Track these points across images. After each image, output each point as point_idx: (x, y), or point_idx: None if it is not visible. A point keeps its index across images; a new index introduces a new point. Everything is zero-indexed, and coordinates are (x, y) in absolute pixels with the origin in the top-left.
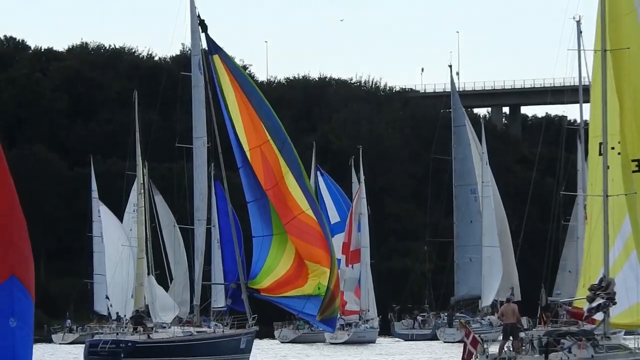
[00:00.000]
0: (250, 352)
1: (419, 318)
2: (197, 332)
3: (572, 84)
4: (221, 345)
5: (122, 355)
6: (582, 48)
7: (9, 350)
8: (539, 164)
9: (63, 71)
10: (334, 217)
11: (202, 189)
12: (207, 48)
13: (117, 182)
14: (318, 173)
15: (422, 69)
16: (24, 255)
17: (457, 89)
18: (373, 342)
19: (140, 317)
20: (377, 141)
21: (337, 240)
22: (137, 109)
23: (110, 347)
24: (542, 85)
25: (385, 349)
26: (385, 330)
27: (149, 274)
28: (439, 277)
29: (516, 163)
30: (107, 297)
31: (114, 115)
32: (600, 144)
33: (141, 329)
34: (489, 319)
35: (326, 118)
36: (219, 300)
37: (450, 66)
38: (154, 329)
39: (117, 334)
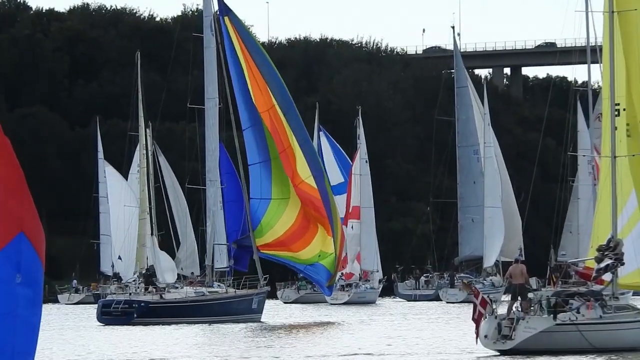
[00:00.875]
0: (262, 312)
1: (423, 279)
2: (209, 292)
3: (571, 45)
4: (233, 305)
5: (135, 315)
6: (589, 9)
7: (12, 309)
8: (539, 124)
9: (64, 32)
10: (337, 178)
11: (213, 149)
12: (218, 9)
13: (119, 143)
14: (321, 134)
15: (424, 30)
16: (32, 212)
17: (459, 50)
18: (373, 302)
19: (151, 277)
20: (377, 102)
21: (340, 201)
22: (140, 69)
23: (123, 307)
24: (544, 46)
25: (382, 309)
26: (389, 291)
27: (151, 234)
28: (441, 238)
29: (516, 124)
30: (120, 258)
31: (115, 76)
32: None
33: (153, 289)
34: (490, 280)
35: (327, 79)
36: (221, 260)
37: (453, 27)
38: (166, 289)
39: (130, 294)
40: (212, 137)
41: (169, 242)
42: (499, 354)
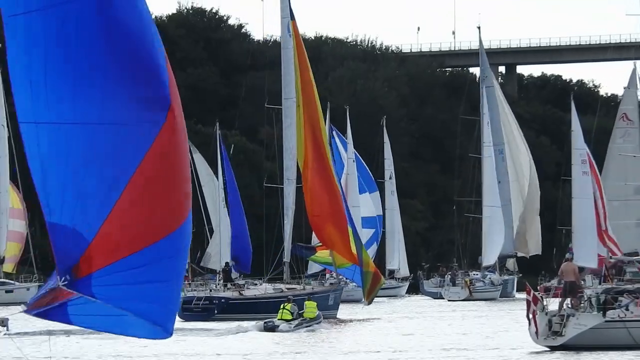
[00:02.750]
0: (338, 309)
1: (448, 276)
2: (287, 289)
3: (565, 43)
4: None
5: (216, 311)
6: None
7: (177, 285)
8: (533, 122)
9: None
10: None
11: (291, 148)
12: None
13: None
14: (334, 133)
15: (418, 28)
16: (189, 203)
17: (454, 49)
18: (359, 301)
19: (230, 273)
20: (373, 100)
21: None
22: None
23: (203, 303)
24: (539, 45)
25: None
26: (415, 288)
27: None
28: (436, 236)
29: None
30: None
31: None
32: None
33: (232, 285)
34: (489, 278)
35: (322, 77)
36: (224, 259)
37: (479, 27)
38: (245, 285)
39: (210, 290)
40: (290, 136)
41: (202, 238)
42: (549, 349)
